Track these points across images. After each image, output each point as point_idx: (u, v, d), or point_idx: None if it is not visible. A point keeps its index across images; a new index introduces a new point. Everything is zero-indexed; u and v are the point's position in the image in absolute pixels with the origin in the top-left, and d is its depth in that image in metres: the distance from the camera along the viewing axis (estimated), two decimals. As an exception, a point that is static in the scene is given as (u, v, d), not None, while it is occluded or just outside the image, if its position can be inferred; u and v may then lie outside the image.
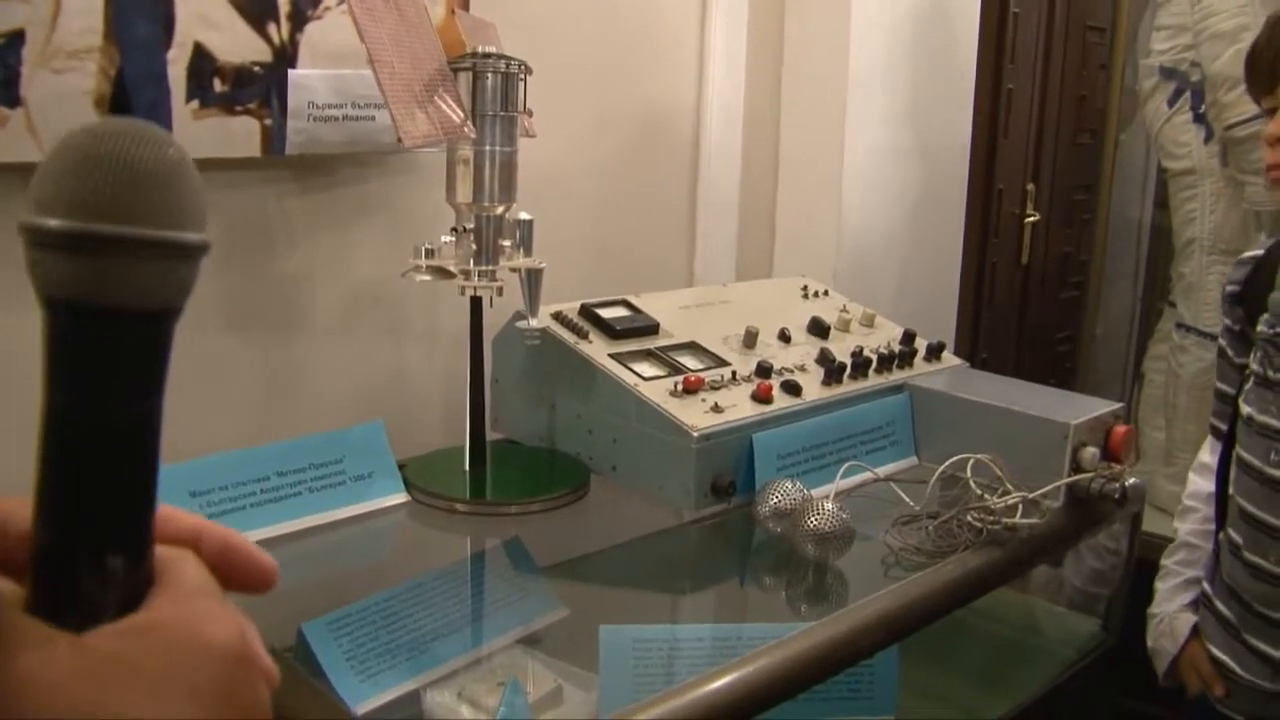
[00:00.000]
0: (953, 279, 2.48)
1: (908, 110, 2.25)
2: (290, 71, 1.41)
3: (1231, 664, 1.41)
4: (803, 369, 1.60)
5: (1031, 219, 2.83)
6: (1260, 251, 1.49)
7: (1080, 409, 1.53)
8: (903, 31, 2.21)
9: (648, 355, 1.52)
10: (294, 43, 1.42)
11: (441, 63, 1.35)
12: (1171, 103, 2.49)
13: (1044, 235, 2.90)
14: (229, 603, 0.45)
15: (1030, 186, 2.81)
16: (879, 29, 2.14)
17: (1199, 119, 2.44)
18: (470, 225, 1.39)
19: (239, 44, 1.37)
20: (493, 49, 1.37)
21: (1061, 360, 3.09)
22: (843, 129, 2.10)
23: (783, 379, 1.54)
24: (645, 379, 1.45)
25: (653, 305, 1.64)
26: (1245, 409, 1.40)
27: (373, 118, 1.48)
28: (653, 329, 1.58)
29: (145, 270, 0.40)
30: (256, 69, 1.39)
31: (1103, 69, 2.90)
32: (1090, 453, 1.47)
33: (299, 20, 1.42)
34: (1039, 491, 1.37)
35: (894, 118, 2.22)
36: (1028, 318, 2.93)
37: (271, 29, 1.40)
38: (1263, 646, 1.36)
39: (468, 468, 1.49)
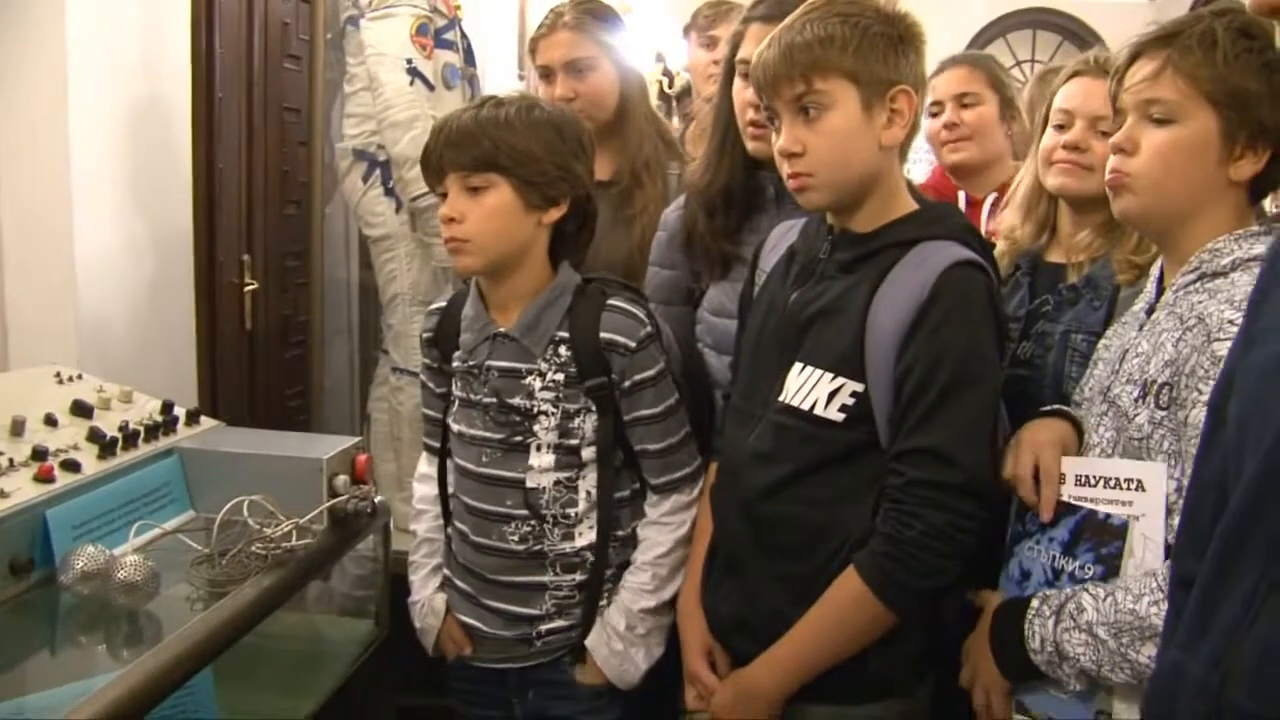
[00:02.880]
0: (191, 350, 2.77)
1: (134, 197, 2.51)
2: None
3: (478, 624, 1.87)
4: (76, 447, 1.82)
5: (251, 287, 3.16)
6: (444, 303, 1.98)
7: (328, 446, 1.97)
8: (122, 126, 2.47)
9: (-86, 457, 1.63)
10: None
11: None
12: (366, 179, 3.02)
13: (264, 301, 3.25)
14: None
15: (246, 257, 3.14)
16: (99, 128, 2.39)
17: (389, 192, 3.01)
18: None
19: None
20: None
21: (295, 414, 3.47)
22: (71, 224, 2.31)
23: (60, 459, 1.75)
24: (-82, 478, 1.57)
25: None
26: (456, 427, 1.88)
27: None
28: (-85, 429, 1.69)
29: None
30: None
31: (303, 146, 3.34)
32: (342, 480, 1.91)
33: None
34: (307, 517, 1.76)
35: (122, 206, 2.48)
36: (258, 379, 3.26)
37: None
38: (498, 605, 1.84)
39: None
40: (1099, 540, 1.44)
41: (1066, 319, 1.87)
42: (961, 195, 2.73)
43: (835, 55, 1.53)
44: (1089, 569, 1.45)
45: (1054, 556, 1.50)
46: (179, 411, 2.06)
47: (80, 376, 2.08)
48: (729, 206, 1.98)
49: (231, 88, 2.99)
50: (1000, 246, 2.07)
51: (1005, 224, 2.11)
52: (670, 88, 4.69)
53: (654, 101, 3.10)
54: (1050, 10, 8.06)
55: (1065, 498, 1.50)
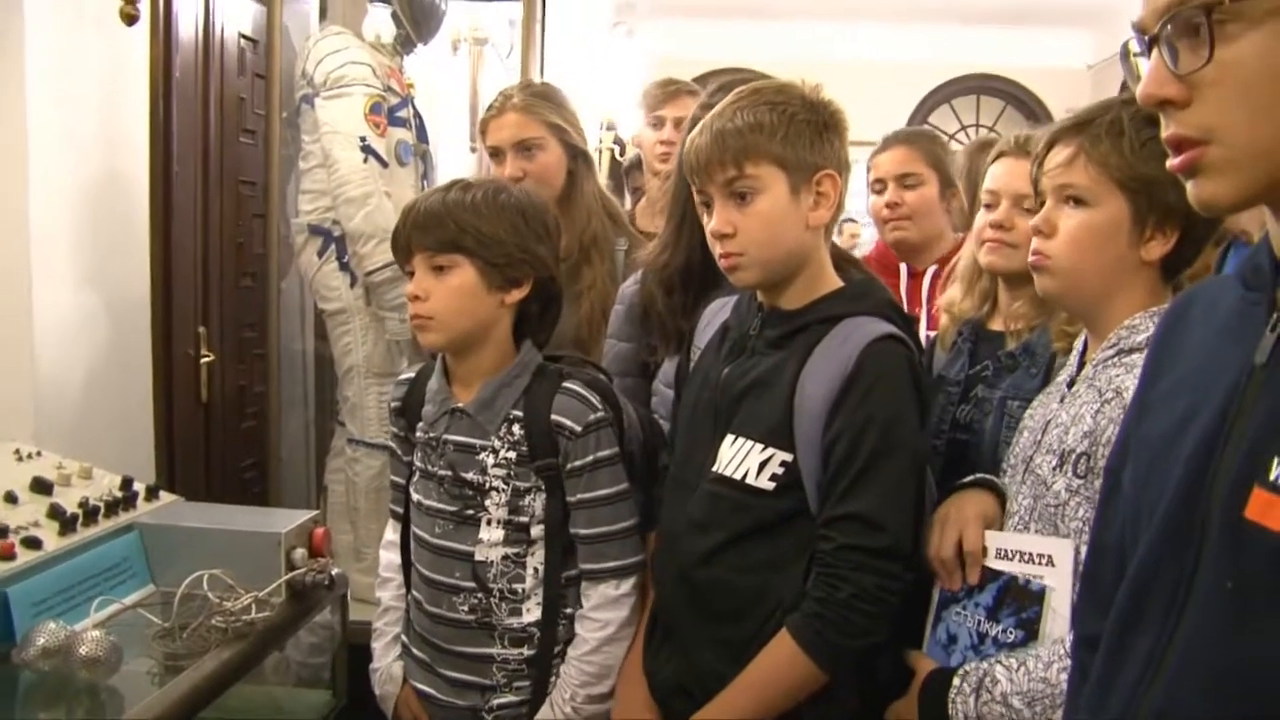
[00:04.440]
0: (148, 422, 2.82)
1: (91, 270, 2.58)
2: None
3: (432, 692, 1.92)
4: (37, 524, 1.87)
5: (207, 359, 3.20)
6: (412, 374, 2.05)
7: (286, 520, 2.03)
8: (80, 200, 2.54)
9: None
10: None
11: None
12: (321, 254, 3.09)
13: (220, 372, 3.30)
14: None
15: (202, 329, 3.19)
16: (57, 203, 2.45)
17: (344, 267, 3.08)
18: None
19: None
20: None
21: (250, 485, 3.50)
22: (29, 296, 2.37)
23: (21, 536, 1.80)
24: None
25: None
26: (415, 496, 1.94)
27: None
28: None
29: None
30: None
31: (259, 219, 3.40)
32: (300, 553, 1.96)
33: None
34: (266, 590, 1.81)
35: (79, 280, 2.54)
36: (214, 450, 3.30)
37: None
38: (451, 673, 1.89)
39: None
40: (1020, 605, 1.53)
41: (1005, 386, 1.96)
42: (904, 267, 2.84)
43: (764, 142, 1.62)
44: (1011, 633, 1.53)
45: (979, 621, 1.58)
46: (138, 487, 2.11)
47: (39, 454, 2.13)
48: (687, 285, 2.05)
49: (188, 162, 3.06)
50: (943, 321, 2.18)
51: (946, 298, 2.21)
52: (622, 155, 4.80)
53: (604, 180, 3.19)
54: (993, 76, 8.32)
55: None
